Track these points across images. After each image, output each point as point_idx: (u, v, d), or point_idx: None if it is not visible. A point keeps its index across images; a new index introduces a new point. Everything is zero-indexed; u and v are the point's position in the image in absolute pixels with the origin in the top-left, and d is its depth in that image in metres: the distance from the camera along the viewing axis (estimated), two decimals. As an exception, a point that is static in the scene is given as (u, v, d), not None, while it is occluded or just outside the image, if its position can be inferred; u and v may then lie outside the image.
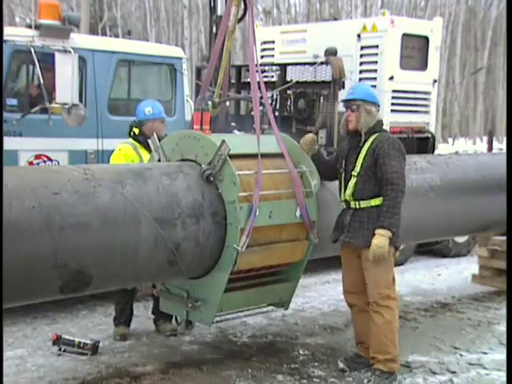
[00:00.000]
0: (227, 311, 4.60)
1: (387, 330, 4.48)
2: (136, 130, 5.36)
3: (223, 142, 4.19)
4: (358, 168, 4.54)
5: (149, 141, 4.78)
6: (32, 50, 5.96)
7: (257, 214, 4.18)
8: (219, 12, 6.27)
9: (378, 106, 4.68)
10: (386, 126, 8.11)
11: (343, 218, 4.62)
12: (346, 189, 4.60)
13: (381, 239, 4.33)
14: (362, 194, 4.51)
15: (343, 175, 4.66)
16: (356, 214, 4.53)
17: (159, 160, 4.60)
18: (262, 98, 4.89)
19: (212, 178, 4.22)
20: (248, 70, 7.57)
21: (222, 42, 4.99)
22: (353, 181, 4.55)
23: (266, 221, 4.32)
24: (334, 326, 5.83)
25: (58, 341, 5.01)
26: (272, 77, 8.71)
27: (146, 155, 5.16)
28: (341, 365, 4.75)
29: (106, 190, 3.76)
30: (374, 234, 4.38)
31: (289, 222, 4.51)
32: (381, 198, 4.45)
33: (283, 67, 8.28)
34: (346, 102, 4.65)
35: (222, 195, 4.24)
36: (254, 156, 4.39)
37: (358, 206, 4.53)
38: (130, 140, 5.35)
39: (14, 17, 28.46)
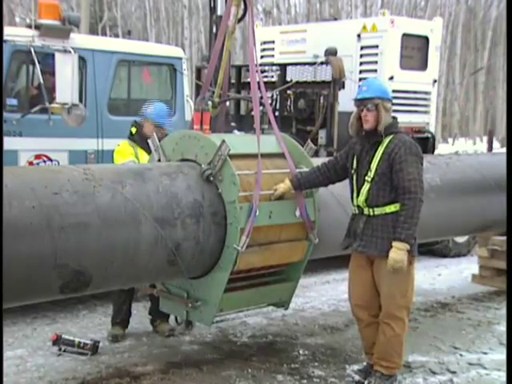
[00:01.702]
0: (227, 311, 4.60)
1: (395, 342, 4.38)
2: (133, 130, 5.41)
3: (223, 142, 4.19)
4: (371, 173, 4.29)
5: (148, 141, 4.78)
6: (32, 50, 5.96)
7: (257, 214, 4.18)
8: (219, 12, 6.25)
9: (392, 102, 4.43)
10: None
11: (355, 224, 4.42)
12: (358, 194, 4.37)
13: (399, 253, 4.13)
14: (376, 200, 4.29)
15: (355, 178, 4.41)
16: (369, 222, 4.33)
17: (159, 160, 4.60)
18: (261, 98, 4.88)
19: (212, 178, 4.22)
20: (248, 70, 7.59)
21: (222, 42, 4.99)
22: (366, 187, 4.32)
23: (266, 221, 4.32)
24: (333, 325, 5.83)
25: (57, 341, 5.01)
26: (272, 77, 8.72)
27: (142, 154, 5.23)
28: (356, 377, 4.61)
29: (106, 190, 3.76)
30: (389, 244, 4.19)
31: (289, 222, 4.50)
32: (396, 205, 4.23)
33: (283, 67, 8.29)
34: (362, 100, 4.33)
35: (222, 195, 4.23)
36: (254, 156, 4.38)
37: (371, 213, 4.32)
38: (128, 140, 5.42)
39: (14, 17, 28.46)
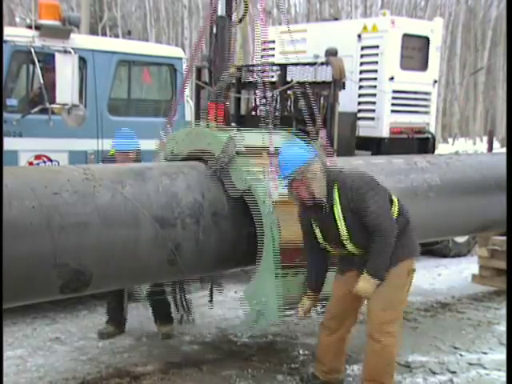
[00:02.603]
0: (290, 300, 4.36)
1: (387, 364, 4.12)
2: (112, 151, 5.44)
3: (235, 133, 4.23)
4: (344, 233, 4.03)
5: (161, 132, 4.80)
6: (32, 51, 5.96)
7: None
8: (219, 12, 6.25)
9: (315, 154, 4.08)
10: (386, 127, 8.16)
11: (349, 261, 4.20)
12: (347, 254, 4.14)
13: (366, 284, 4.00)
14: (365, 243, 4.03)
15: (328, 246, 4.16)
16: (364, 256, 4.10)
17: (172, 152, 4.62)
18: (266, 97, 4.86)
19: (228, 162, 4.25)
20: (249, 71, 7.60)
21: (209, 26, 4.99)
22: (350, 246, 4.08)
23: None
24: (334, 326, 5.82)
25: None
26: (272, 77, 8.71)
27: None
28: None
29: (106, 190, 3.77)
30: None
31: None
32: None
33: (283, 67, 8.29)
34: (287, 178, 4.03)
35: (242, 178, 4.24)
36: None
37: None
38: None
39: (14, 17, 28.43)
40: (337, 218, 4.03)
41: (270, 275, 4.22)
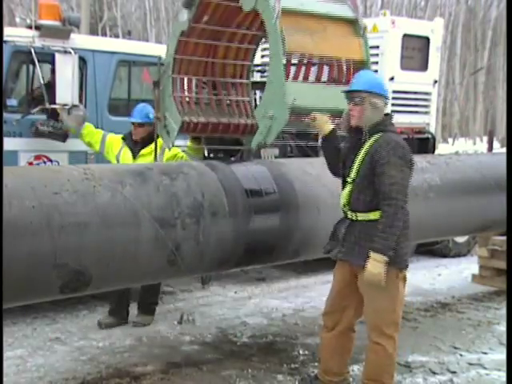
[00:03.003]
0: (299, 103, 4.26)
1: (388, 364, 4.04)
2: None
3: None
4: (353, 174, 3.97)
5: None
6: (32, 51, 5.96)
7: None
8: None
9: (386, 98, 4.05)
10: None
11: (339, 228, 4.11)
12: (342, 196, 4.10)
13: (375, 265, 3.76)
14: (357, 204, 3.96)
15: (342, 179, 4.15)
16: (352, 226, 4.00)
17: None
18: None
19: None
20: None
21: None
22: (347, 188, 4.02)
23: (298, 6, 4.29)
24: (334, 326, 5.82)
25: None
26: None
27: (126, 153, 5.64)
28: None
29: (106, 190, 3.76)
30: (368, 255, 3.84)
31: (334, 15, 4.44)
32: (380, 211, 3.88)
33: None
34: (349, 93, 4.02)
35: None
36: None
37: (354, 218, 3.99)
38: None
39: (14, 17, 28.46)
40: (358, 156, 3.97)
41: (278, 82, 4.18)
